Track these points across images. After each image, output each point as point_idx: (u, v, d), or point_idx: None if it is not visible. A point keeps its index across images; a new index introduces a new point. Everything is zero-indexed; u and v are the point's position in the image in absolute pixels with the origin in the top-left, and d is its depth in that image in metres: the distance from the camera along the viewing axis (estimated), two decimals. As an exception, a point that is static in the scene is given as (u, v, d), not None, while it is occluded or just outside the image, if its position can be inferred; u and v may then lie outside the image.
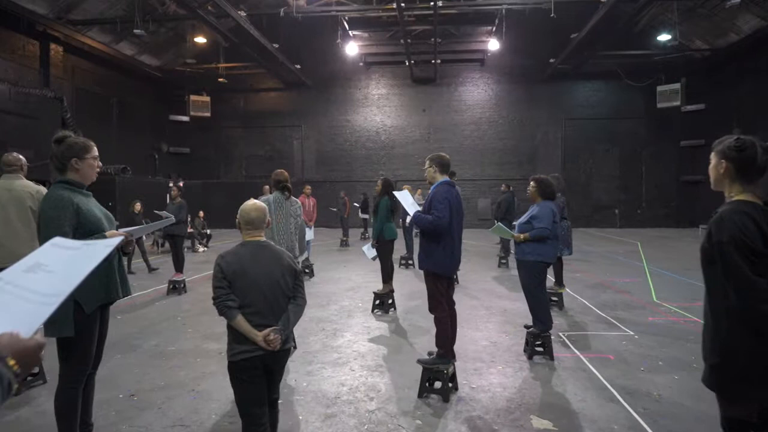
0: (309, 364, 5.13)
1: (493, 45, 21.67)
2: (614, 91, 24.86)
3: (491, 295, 8.62)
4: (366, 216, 19.34)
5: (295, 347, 5.56)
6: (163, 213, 8.86)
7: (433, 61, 23.71)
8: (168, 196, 12.26)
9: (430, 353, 4.52)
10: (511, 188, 12.86)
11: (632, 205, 24.90)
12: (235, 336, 2.77)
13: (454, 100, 25.98)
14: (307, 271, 10.27)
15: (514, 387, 4.52)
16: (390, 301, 7.34)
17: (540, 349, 5.27)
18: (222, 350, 5.46)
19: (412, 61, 23.81)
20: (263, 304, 2.77)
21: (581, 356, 5.35)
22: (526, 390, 4.45)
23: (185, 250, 15.89)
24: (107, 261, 3.05)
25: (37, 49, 18.94)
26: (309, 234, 9.64)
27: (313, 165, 26.78)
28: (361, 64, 25.52)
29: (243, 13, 18.06)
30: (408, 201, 4.92)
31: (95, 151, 3.21)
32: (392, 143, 26.33)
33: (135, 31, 17.89)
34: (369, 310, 7.39)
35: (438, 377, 4.28)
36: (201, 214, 17.22)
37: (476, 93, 25.87)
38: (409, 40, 20.64)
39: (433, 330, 4.53)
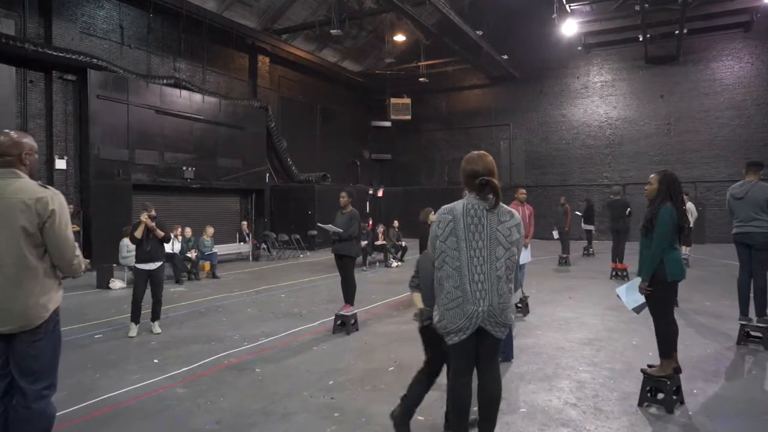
0: None
1: (771, -2, 16.07)
2: None
3: None
4: (590, 227, 15.57)
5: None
6: (329, 227, 6.88)
7: (676, 33, 18.74)
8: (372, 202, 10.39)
9: None
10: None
11: None
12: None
13: (704, 80, 20.40)
14: (519, 306, 7.42)
15: None
16: (674, 389, 4.11)
17: None
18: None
19: (647, 36, 19.16)
20: (427, 291, 3.30)
21: None
22: None
23: (375, 266, 14.36)
24: None
25: (246, 62, 19.34)
26: (524, 256, 6.81)
27: (523, 168, 23.56)
28: (580, 48, 21.58)
29: (442, -3, 15.92)
30: None
31: None
32: (619, 139, 21.77)
33: (332, 31, 16.99)
34: (632, 400, 4.25)
35: None
36: (395, 223, 15.47)
37: (737, 68, 19.95)
38: (646, 5, 16.32)
39: None
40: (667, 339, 4.12)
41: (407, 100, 24.18)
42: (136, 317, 6.65)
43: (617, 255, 11.06)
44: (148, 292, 6.75)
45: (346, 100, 24.84)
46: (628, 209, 11.15)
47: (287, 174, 20.41)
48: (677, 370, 4.14)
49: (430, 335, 3.29)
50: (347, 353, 5.80)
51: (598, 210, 19.58)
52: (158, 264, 6.74)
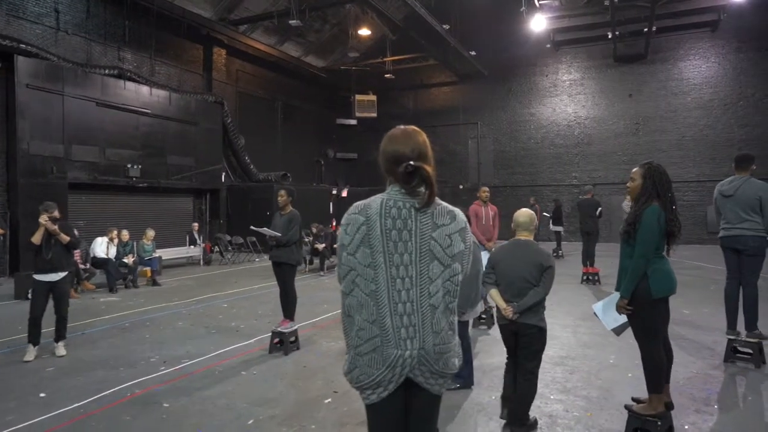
0: None
1: (738, -4, 15.78)
2: None
3: None
4: (559, 229, 15.02)
5: None
6: (264, 230, 5.98)
7: (645, 30, 18.39)
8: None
9: None
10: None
11: None
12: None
13: (673, 79, 20.15)
14: (483, 318, 6.66)
15: None
16: (665, 430, 3.34)
17: None
18: None
19: (617, 33, 18.77)
20: (508, 286, 3.57)
21: None
22: None
23: (333, 271, 13.05)
24: None
25: (201, 53, 18.22)
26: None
27: (491, 168, 22.98)
28: (548, 45, 21.11)
29: (406, -14, 15.14)
30: None
31: None
32: (588, 139, 21.38)
33: (291, 22, 16.00)
34: (612, 438, 3.50)
35: None
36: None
37: (704, 68, 19.75)
38: (615, 0, 15.85)
39: None
40: (655, 370, 3.34)
41: (373, 97, 23.36)
42: (34, 338, 5.61)
43: (588, 258, 10.43)
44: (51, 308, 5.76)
45: (310, 96, 23.84)
46: (599, 209, 10.55)
47: (245, 173, 19.35)
48: (669, 407, 3.39)
49: (507, 333, 3.62)
50: (280, 380, 4.91)
51: (567, 211, 19.14)
52: (62, 275, 5.71)
